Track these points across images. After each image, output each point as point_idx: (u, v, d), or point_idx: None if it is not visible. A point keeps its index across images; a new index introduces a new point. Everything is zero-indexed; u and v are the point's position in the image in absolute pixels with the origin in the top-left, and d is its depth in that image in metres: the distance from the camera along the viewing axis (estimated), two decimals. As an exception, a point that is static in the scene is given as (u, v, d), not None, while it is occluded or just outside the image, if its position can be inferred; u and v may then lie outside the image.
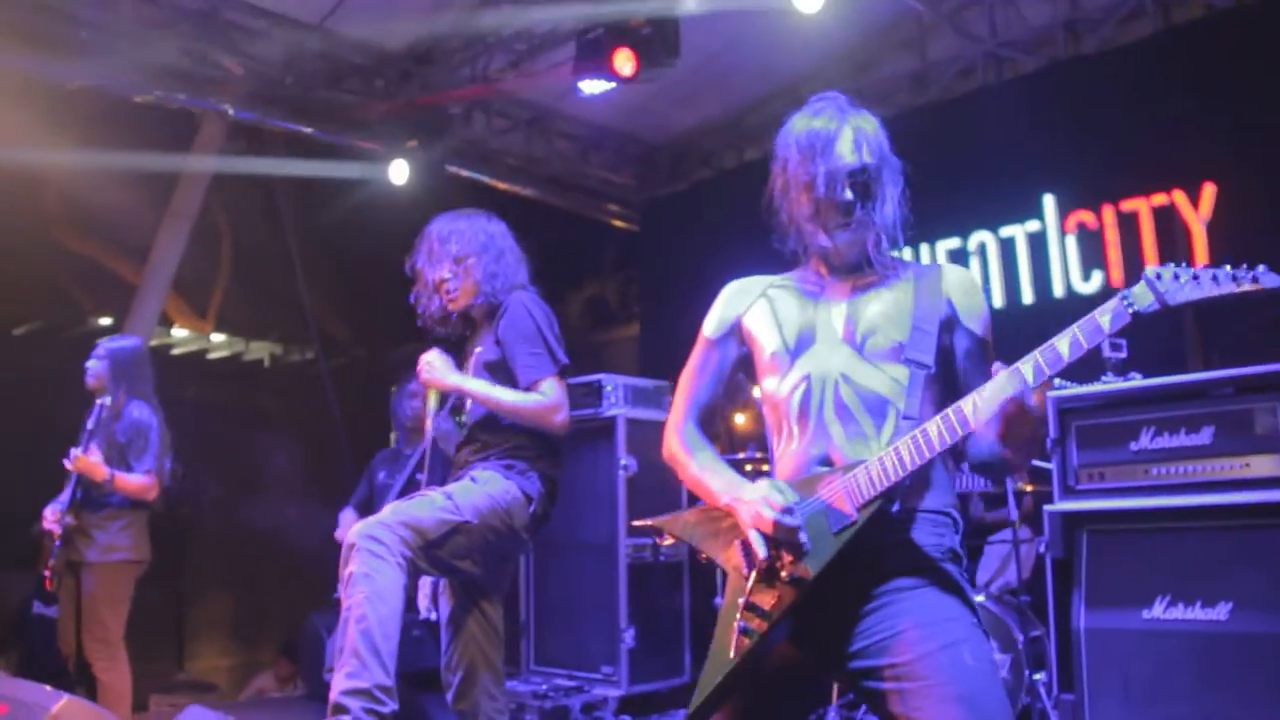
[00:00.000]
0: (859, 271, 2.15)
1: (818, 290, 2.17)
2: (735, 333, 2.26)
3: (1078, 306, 5.57)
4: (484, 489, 3.06)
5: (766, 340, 2.16)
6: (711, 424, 2.33)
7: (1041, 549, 4.48)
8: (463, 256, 3.30)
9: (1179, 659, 3.84)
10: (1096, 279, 5.67)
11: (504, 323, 3.20)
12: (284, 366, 9.39)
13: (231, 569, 8.61)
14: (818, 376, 2.06)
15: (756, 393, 6.31)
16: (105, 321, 8.48)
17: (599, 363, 8.02)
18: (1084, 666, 4.05)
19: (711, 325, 2.29)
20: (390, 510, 2.91)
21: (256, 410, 8.86)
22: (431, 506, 2.93)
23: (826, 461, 2.02)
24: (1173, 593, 3.91)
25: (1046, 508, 4.25)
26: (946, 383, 2.08)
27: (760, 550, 1.95)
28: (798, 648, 2.00)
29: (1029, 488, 4.91)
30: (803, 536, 1.91)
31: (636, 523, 2.52)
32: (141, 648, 4.93)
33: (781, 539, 1.93)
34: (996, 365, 1.84)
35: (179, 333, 8.86)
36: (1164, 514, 3.98)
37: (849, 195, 2.07)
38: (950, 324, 2.10)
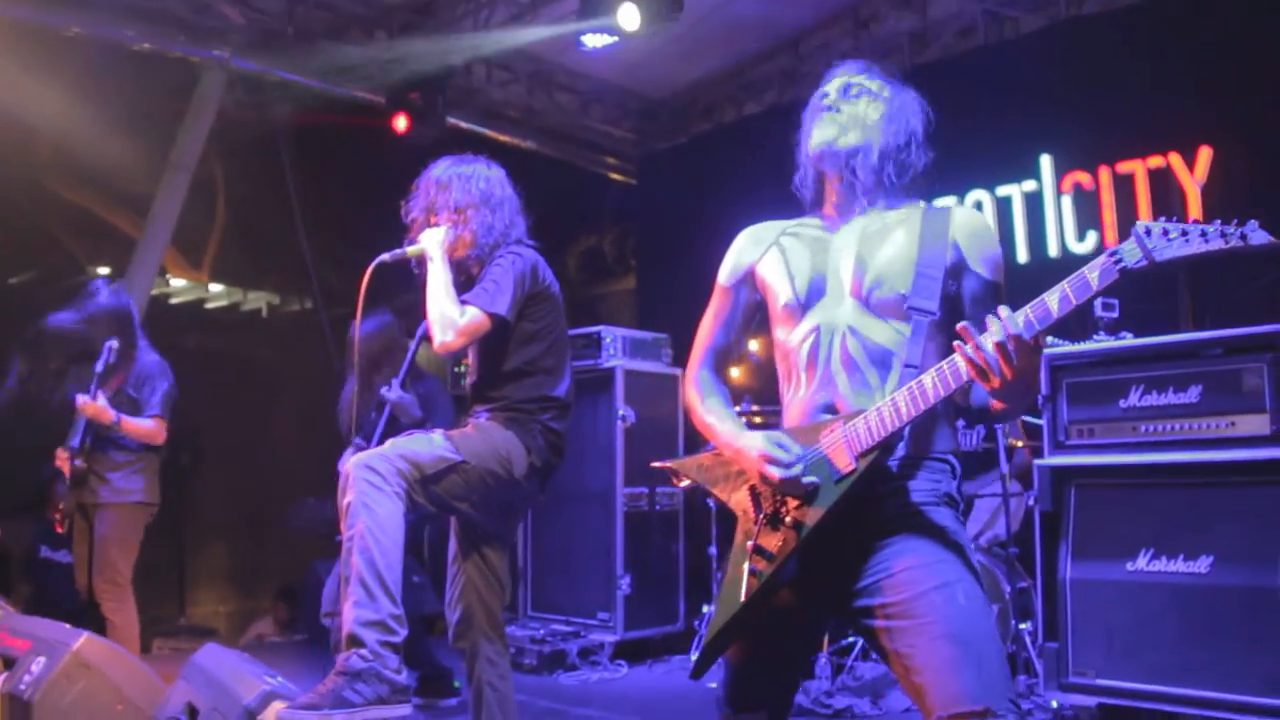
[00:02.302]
0: (866, 212, 2.20)
1: (828, 236, 2.22)
2: (748, 280, 2.32)
3: (1072, 266, 5.57)
4: (482, 435, 3.12)
5: (779, 290, 2.22)
6: (727, 368, 2.40)
7: (1030, 503, 4.60)
8: (462, 207, 3.24)
9: (1160, 610, 3.96)
10: (1091, 239, 5.74)
11: (487, 269, 3.19)
12: (282, 316, 9.42)
13: (230, 517, 8.71)
14: (826, 328, 2.13)
15: (753, 346, 6.43)
16: (103, 271, 8.50)
17: (595, 315, 8.10)
18: (1068, 616, 4.18)
19: (725, 272, 2.36)
20: (390, 444, 2.95)
21: (255, 359, 8.90)
22: (430, 444, 2.98)
23: (831, 409, 2.09)
24: (1156, 546, 4.03)
25: (1036, 462, 4.36)
26: (955, 325, 2.13)
27: (765, 505, 2.07)
28: (802, 589, 2.09)
29: (1019, 444, 5.01)
30: (806, 481, 1.99)
31: (655, 464, 2.59)
32: (145, 594, 5.01)
33: (787, 491, 2.02)
34: (1002, 310, 1.84)
35: (177, 282, 8.88)
36: (1151, 470, 4.08)
37: (831, 100, 2.22)
38: (958, 269, 2.12)
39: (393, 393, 4.40)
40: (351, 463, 2.82)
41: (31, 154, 7.05)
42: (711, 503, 5.81)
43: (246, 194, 8.55)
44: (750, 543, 2.08)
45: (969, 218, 2.18)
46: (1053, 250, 5.89)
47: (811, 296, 2.17)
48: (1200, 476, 3.97)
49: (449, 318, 3.03)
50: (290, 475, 8.41)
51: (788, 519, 2.04)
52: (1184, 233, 1.71)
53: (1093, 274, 1.77)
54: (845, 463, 1.98)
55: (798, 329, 2.17)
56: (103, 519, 4.70)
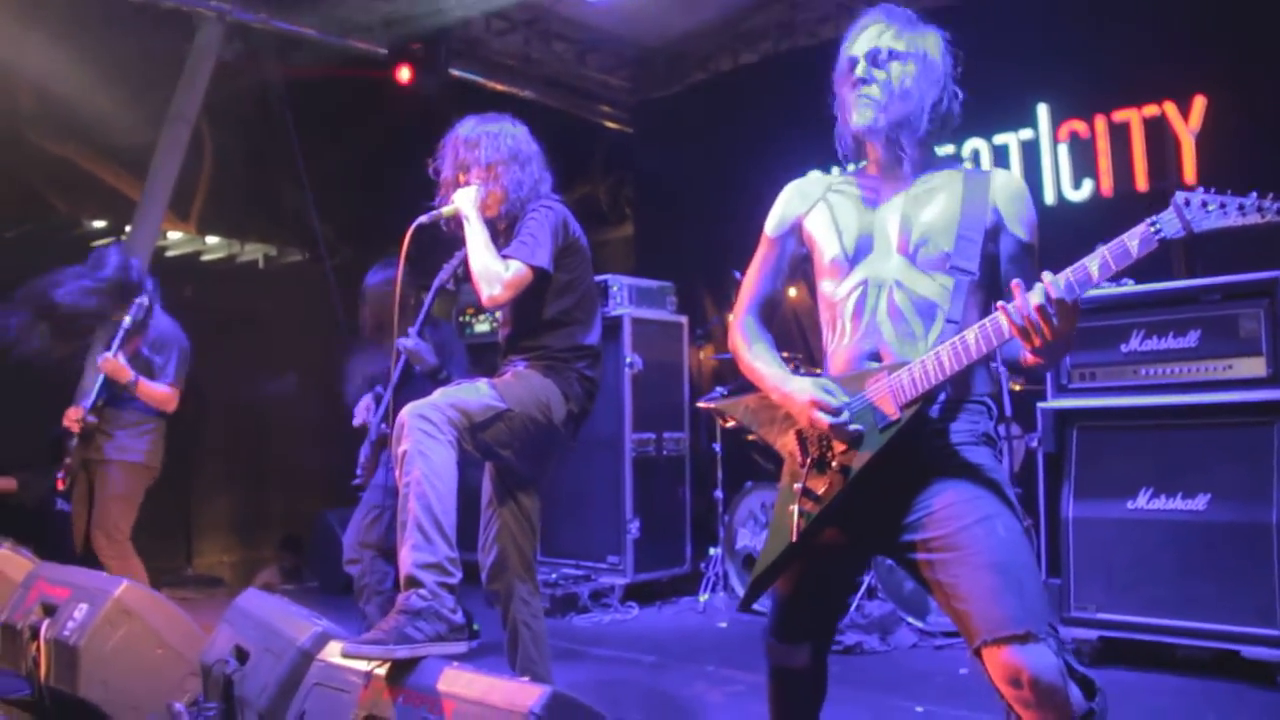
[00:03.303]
0: (910, 175, 2.29)
1: (874, 195, 2.32)
2: (795, 232, 2.42)
3: (1068, 214, 5.84)
4: (523, 383, 3.22)
5: (827, 245, 2.32)
6: (774, 316, 2.49)
7: (1032, 444, 4.75)
8: (492, 163, 3.32)
9: (1159, 546, 4.15)
10: (1087, 187, 5.84)
11: (522, 224, 3.27)
12: (278, 268, 9.43)
13: (232, 468, 8.79)
14: (874, 282, 2.24)
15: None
16: (99, 224, 8.49)
17: (592, 264, 8.16)
18: (1070, 553, 4.36)
19: (772, 224, 2.46)
20: (440, 393, 3.05)
21: (253, 310, 8.92)
22: (477, 393, 3.09)
23: (876, 356, 2.21)
24: (1155, 485, 4.20)
25: (1040, 405, 4.51)
26: (993, 285, 2.23)
27: (811, 449, 2.20)
28: (847, 527, 2.22)
29: (1017, 387, 5.14)
30: (852, 429, 2.11)
31: (702, 404, 2.70)
32: (151, 546, 5.11)
33: (835, 436, 2.15)
34: (1045, 275, 1.92)
35: (173, 235, 8.87)
36: (1150, 412, 4.25)
37: (861, 72, 2.24)
38: (996, 230, 2.22)
39: (409, 340, 4.48)
40: (405, 412, 2.91)
41: (12, 104, 7.01)
42: (718, 448, 5.95)
43: (239, 145, 8.51)
44: (798, 485, 2.20)
45: (1007, 181, 2.27)
46: (1049, 198, 5.98)
47: (859, 253, 2.27)
48: (1199, 418, 4.14)
49: (494, 272, 3.13)
50: (291, 424, 8.50)
51: (834, 463, 2.15)
52: (1222, 205, 1.77)
53: (1132, 242, 1.85)
54: (890, 411, 2.09)
55: (845, 282, 2.28)
56: (105, 475, 4.77)
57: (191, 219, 9.11)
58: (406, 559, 2.70)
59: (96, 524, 4.79)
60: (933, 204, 2.24)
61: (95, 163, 8.10)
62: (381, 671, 2.51)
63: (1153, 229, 1.84)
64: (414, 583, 2.65)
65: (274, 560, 8.38)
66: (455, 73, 7.47)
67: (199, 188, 8.97)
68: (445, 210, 3.29)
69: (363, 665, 2.55)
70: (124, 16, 6.54)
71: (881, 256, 2.25)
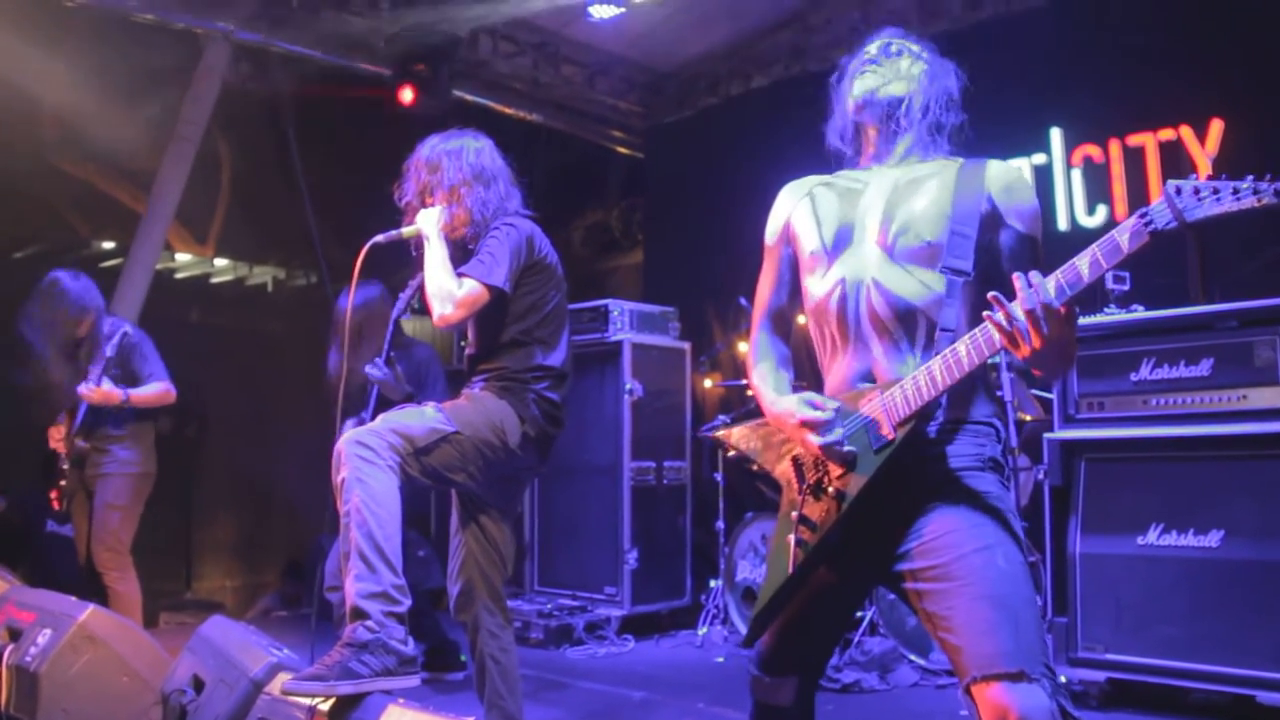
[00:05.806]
0: (900, 164, 2.20)
1: (860, 185, 2.22)
2: (786, 234, 2.32)
3: (1081, 240, 5.57)
4: (475, 405, 3.11)
5: (807, 239, 2.22)
6: (788, 329, 2.38)
7: (1040, 476, 4.57)
8: (455, 185, 3.23)
9: (1170, 584, 3.95)
10: (1101, 213, 5.69)
11: (482, 242, 3.17)
12: (287, 291, 9.39)
13: (237, 492, 8.71)
14: (852, 281, 2.12)
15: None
16: (108, 245, 8.48)
17: (602, 290, 8.09)
18: (1078, 590, 4.18)
19: (768, 231, 2.38)
20: (381, 419, 2.95)
21: (260, 334, 8.88)
22: (421, 416, 2.99)
23: (869, 377, 2.09)
24: (1166, 520, 4.01)
25: (1046, 436, 4.34)
26: (989, 281, 2.07)
27: (808, 474, 2.09)
28: (846, 556, 2.08)
29: (1028, 418, 4.98)
30: (846, 450, 2.00)
31: (704, 433, 2.59)
32: (151, 568, 5.03)
33: (829, 457, 2.03)
34: (1034, 275, 1.80)
35: (182, 257, 8.85)
36: (1161, 444, 4.07)
37: (872, 55, 2.25)
38: (992, 221, 2.09)
39: (377, 370, 4.38)
40: (343, 440, 2.81)
41: (35, 128, 7.01)
42: (720, 477, 5.80)
43: (251, 168, 8.51)
44: (795, 513, 2.10)
45: (1004, 170, 2.14)
46: (1062, 224, 5.84)
47: (838, 245, 2.17)
48: (1211, 450, 3.96)
49: (447, 290, 3.03)
50: (295, 449, 8.42)
51: (830, 489, 2.04)
52: (1215, 191, 1.68)
53: (1123, 236, 1.73)
54: (885, 431, 1.98)
55: (824, 279, 2.17)
56: (105, 487, 4.73)
57: (210, 242, 9.11)
58: (351, 590, 2.59)
59: (97, 538, 4.74)
60: (920, 193, 2.12)
61: (113, 185, 8.11)
62: (325, 707, 2.39)
63: (1143, 221, 1.73)
64: (359, 614, 2.54)
65: (276, 586, 8.30)
66: (465, 96, 7.42)
67: (218, 211, 8.98)
68: (406, 231, 3.20)
69: (306, 700, 2.43)
70: (139, 38, 6.55)
71: (858, 249, 2.14)
